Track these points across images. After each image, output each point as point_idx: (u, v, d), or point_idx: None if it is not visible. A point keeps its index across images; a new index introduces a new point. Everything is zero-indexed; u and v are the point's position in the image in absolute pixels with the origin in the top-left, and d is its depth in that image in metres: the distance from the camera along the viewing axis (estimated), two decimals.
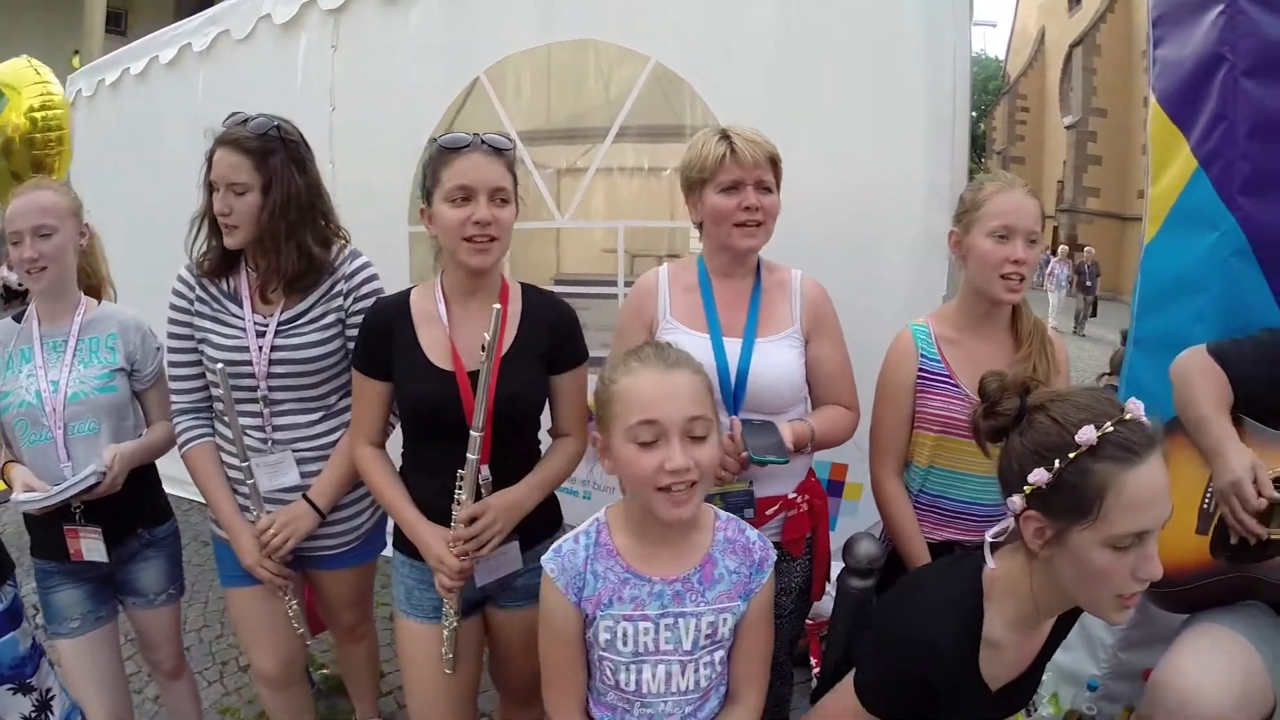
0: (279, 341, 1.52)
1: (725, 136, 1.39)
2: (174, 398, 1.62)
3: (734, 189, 1.38)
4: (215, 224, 1.53)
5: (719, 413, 1.09)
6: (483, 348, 1.23)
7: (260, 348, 1.51)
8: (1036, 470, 0.94)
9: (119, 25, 12.88)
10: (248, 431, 1.55)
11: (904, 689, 1.02)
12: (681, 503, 1.04)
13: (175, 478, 1.86)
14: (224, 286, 1.56)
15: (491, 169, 1.31)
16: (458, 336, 1.35)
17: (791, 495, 1.42)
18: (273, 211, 1.48)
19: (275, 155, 1.49)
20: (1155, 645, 1.74)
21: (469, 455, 1.28)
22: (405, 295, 1.41)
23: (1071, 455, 0.92)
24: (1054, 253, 14.37)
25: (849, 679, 1.10)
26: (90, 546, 1.60)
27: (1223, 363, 1.44)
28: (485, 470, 1.32)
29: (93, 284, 1.80)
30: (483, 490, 1.32)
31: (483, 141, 1.32)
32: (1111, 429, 0.91)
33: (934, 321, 1.51)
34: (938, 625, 1.01)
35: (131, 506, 1.65)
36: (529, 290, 1.44)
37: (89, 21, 10.27)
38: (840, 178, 2.21)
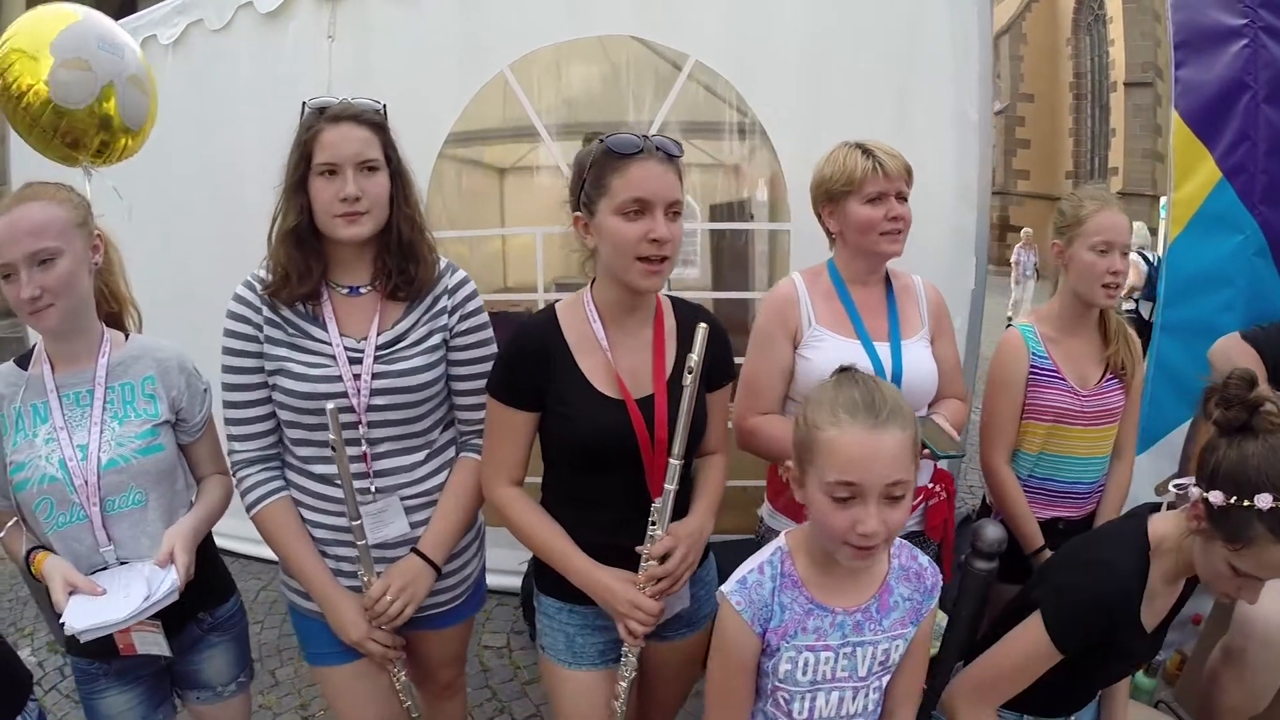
0: (380, 368, 1.37)
1: (867, 151, 1.59)
2: (236, 446, 1.42)
3: (879, 200, 1.58)
4: (298, 231, 1.37)
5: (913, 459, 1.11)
6: (688, 369, 1.24)
7: (358, 375, 1.36)
8: (1215, 492, 1.17)
9: None
10: None
11: (1092, 615, 1.27)
12: (865, 557, 1.09)
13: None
14: (300, 308, 1.39)
15: (667, 179, 1.26)
16: (619, 361, 1.33)
17: (930, 485, 1.68)
18: (406, 194, 1.41)
19: (389, 135, 1.41)
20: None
21: (667, 486, 1.26)
22: (552, 314, 1.36)
23: (1245, 503, 1.14)
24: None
25: (1032, 623, 1.32)
26: (146, 640, 1.35)
27: (1255, 346, 1.85)
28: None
29: (113, 311, 1.51)
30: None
31: (656, 147, 1.26)
32: None
33: (1036, 322, 1.83)
34: (1121, 560, 1.29)
35: (190, 588, 1.37)
36: (678, 304, 1.42)
37: (8, 18, 9.21)
38: None
